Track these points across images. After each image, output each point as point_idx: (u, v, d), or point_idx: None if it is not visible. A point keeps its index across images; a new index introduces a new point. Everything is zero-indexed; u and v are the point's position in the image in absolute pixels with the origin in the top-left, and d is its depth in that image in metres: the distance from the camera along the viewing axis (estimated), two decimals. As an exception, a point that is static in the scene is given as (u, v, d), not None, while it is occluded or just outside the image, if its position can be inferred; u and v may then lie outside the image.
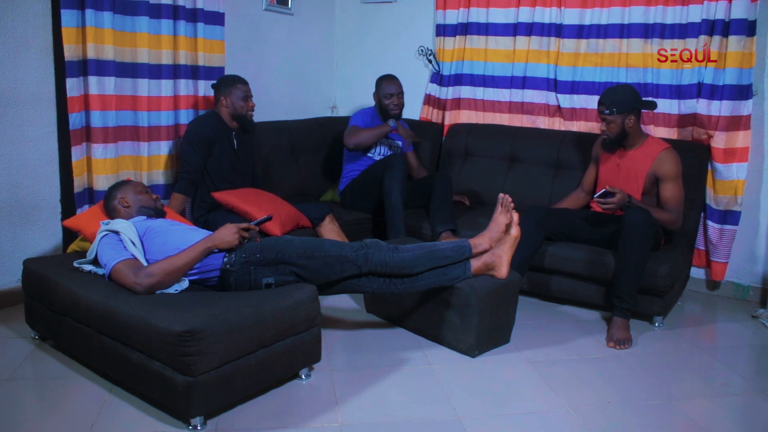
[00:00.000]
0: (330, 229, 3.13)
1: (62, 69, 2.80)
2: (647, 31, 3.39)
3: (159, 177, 3.21)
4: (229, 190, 3.04)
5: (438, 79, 4.07)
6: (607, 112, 2.85)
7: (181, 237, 2.30)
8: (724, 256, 3.30)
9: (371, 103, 3.73)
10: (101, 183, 2.92)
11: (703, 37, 3.19)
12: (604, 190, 2.72)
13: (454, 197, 3.53)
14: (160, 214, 2.53)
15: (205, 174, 3.04)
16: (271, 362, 2.10)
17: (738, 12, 3.06)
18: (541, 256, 2.98)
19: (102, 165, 2.93)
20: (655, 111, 3.39)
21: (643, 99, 2.95)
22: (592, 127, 3.61)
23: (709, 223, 3.30)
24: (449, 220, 3.20)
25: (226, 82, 3.09)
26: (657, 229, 2.78)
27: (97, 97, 2.87)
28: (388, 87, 3.59)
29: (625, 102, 2.83)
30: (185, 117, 3.27)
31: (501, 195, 2.61)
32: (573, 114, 3.68)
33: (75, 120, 2.83)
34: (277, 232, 2.86)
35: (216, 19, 3.34)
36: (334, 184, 3.87)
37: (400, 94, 3.61)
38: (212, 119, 3.08)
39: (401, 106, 3.62)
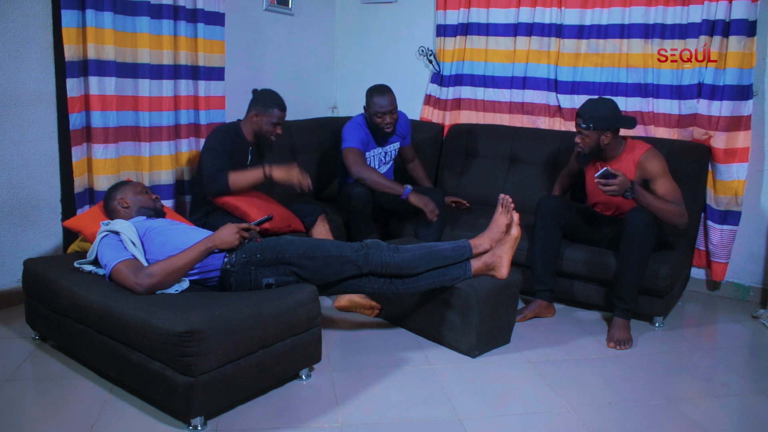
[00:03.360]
0: (318, 231, 3.10)
1: (63, 69, 2.80)
2: (647, 31, 3.39)
3: (160, 177, 3.21)
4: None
5: (438, 79, 4.07)
6: (584, 126, 2.76)
7: (181, 237, 2.30)
8: (724, 256, 3.30)
9: None
10: (102, 183, 2.92)
11: (703, 38, 3.20)
12: (604, 169, 2.59)
13: (451, 200, 3.56)
14: (159, 214, 2.53)
15: None
16: (272, 362, 2.10)
17: (738, 12, 3.07)
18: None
19: (102, 165, 2.92)
20: (656, 111, 3.40)
21: (624, 115, 2.84)
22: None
23: (710, 223, 3.30)
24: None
25: (265, 101, 3.00)
26: (658, 230, 2.77)
27: (98, 97, 2.87)
28: (380, 103, 3.22)
29: (603, 120, 2.74)
30: (185, 117, 3.27)
31: (501, 195, 2.62)
32: (573, 114, 3.67)
33: (75, 120, 2.82)
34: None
35: (216, 19, 3.34)
36: (334, 181, 3.86)
37: (393, 110, 3.26)
38: (231, 133, 3.01)
39: (394, 122, 3.29)
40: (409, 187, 3.17)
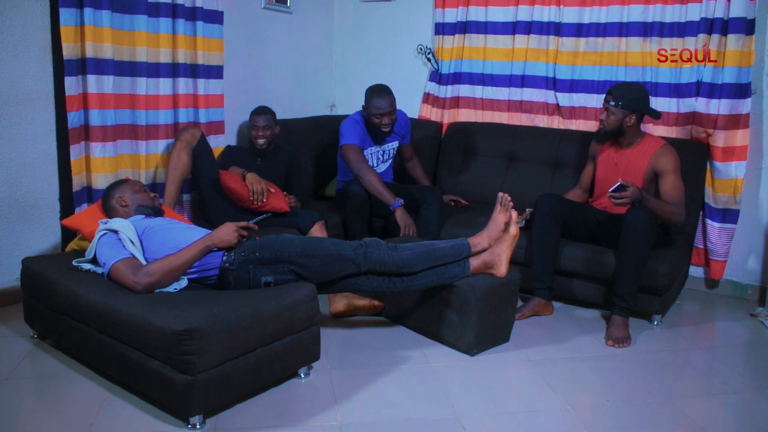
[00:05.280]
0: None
1: (61, 67, 2.79)
2: (646, 29, 3.39)
3: (158, 176, 3.21)
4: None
5: (437, 77, 4.07)
6: (612, 103, 2.85)
7: (180, 236, 2.30)
8: (722, 254, 3.30)
9: None
10: (100, 182, 2.92)
11: (702, 36, 3.19)
12: (618, 183, 2.65)
13: (450, 198, 3.58)
14: (158, 212, 2.53)
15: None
16: (270, 361, 2.10)
17: (737, 10, 3.06)
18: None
19: (101, 164, 2.92)
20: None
21: (651, 107, 2.94)
22: (591, 125, 3.61)
23: (708, 221, 3.30)
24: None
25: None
26: (658, 229, 2.77)
27: (96, 95, 2.86)
28: (379, 104, 3.24)
29: (632, 101, 2.83)
30: (184, 116, 3.27)
31: (500, 194, 2.62)
32: (572, 113, 3.68)
33: (74, 119, 2.82)
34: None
35: (215, 17, 3.33)
36: (332, 180, 3.86)
37: (392, 112, 3.28)
38: (236, 149, 3.36)
39: (392, 123, 3.31)
40: (400, 200, 3.16)
